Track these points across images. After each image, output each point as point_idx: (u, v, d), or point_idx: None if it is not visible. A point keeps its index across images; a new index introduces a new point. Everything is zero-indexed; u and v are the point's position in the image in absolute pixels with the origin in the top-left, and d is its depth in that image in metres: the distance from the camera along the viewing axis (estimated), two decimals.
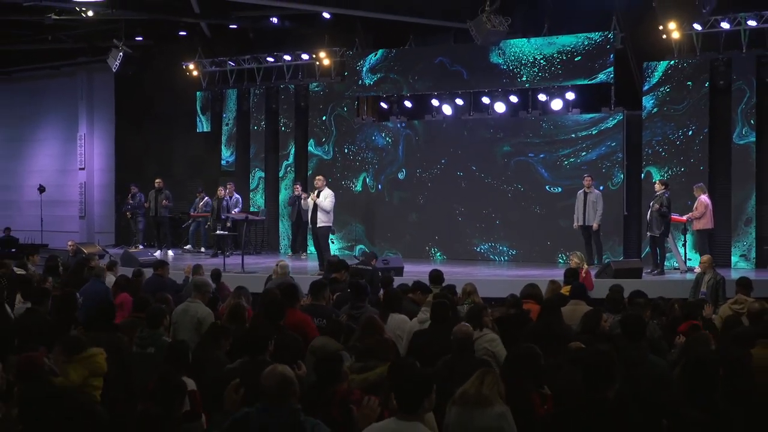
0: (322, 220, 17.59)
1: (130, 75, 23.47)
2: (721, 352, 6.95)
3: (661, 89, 18.62)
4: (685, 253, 17.14)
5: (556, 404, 6.10)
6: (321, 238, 17.87)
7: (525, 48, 19.84)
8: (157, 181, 22.42)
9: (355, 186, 21.86)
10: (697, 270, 14.02)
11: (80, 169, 28.43)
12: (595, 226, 17.19)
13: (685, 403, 5.41)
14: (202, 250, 22.15)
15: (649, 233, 16.93)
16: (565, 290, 11.25)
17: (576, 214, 17.61)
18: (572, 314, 9.21)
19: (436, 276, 11.24)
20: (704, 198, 16.66)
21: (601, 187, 18.00)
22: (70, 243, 18.79)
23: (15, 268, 13.52)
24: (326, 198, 17.53)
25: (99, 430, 5.96)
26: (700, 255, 15.35)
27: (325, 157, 22.27)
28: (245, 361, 6.66)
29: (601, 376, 5.20)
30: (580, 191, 17.60)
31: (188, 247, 22.91)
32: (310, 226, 18.10)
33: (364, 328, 7.67)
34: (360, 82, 21.76)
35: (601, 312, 8.87)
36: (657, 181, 16.97)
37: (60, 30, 24.75)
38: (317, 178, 18.28)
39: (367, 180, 21.73)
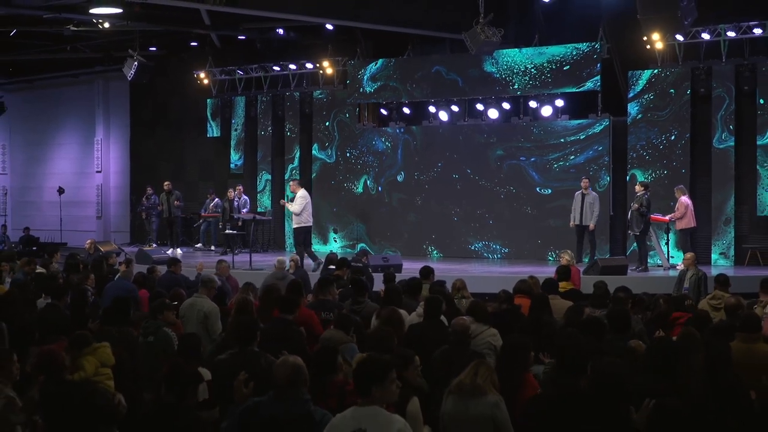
0: (295, 222, 17.84)
1: (144, 83, 23.45)
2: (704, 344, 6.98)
3: (645, 96, 18.62)
4: (668, 251, 17.14)
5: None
6: (296, 237, 18.11)
7: (517, 58, 19.86)
8: (166, 183, 22.41)
9: (357, 188, 21.88)
10: (680, 267, 14.03)
11: (97, 171, 28.41)
12: (591, 226, 17.12)
13: (661, 389, 5.45)
14: (212, 248, 22.15)
15: (630, 232, 17.00)
16: (560, 287, 11.29)
17: (573, 213, 17.54)
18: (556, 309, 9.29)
19: (426, 272, 11.28)
20: (685, 199, 16.68)
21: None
22: (88, 242, 18.79)
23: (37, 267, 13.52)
24: (295, 201, 17.72)
25: (115, 418, 5.99)
26: (683, 253, 15.37)
27: (329, 161, 22.29)
28: (234, 352, 6.64)
29: (573, 365, 5.32)
30: (578, 192, 17.55)
31: (199, 245, 22.93)
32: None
33: (384, 322, 7.62)
34: (361, 89, 21.77)
35: (583, 307, 8.93)
36: (637, 183, 17.02)
37: (78, 41, 24.76)
38: (290, 183, 18.51)
39: (368, 182, 21.75)
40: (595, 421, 5.03)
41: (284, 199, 17.68)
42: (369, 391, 4.81)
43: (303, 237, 17.83)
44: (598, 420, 5.04)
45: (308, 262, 17.26)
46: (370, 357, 5.05)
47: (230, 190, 21.97)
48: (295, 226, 17.80)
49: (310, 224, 18.01)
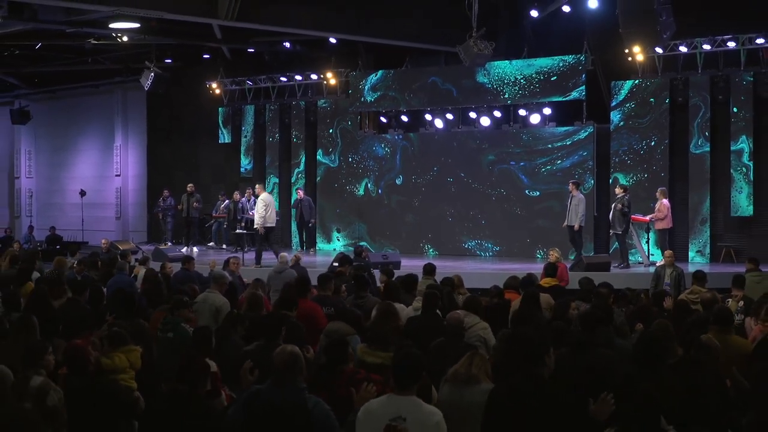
0: (257, 222, 17.75)
1: (160, 93, 23.45)
2: (681, 335, 6.98)
3: (627, 105, 18.62)
4: (648, 249, 17.14)
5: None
6: (256, 237, 18.06)
7: (507, 69, 19.84)
8: (189, 186, 22.39)
9: (358, 190, 21.92)
10: (659, 263, 14.03)
11: (116, 175, 28.39)
12: (576, 226, 17.07)
13: (638, 375, 5.44)
14: (224, 246, 22.12)
15: (612, 231, 16.98)
16: (545, 282, 11.30)
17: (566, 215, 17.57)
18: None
19: (430, 268, 11.25)
20: (665, 201, 16.67)
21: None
22: (103, 241, 18.79)
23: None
24: (257, 205, 17.85)
25: (135, 413, 5.98)
26: (661, 251, 15.37)
27: (332, 165, 22.27)
28: (260, 344, 6.64)
29: (534, 356, 5.29)
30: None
31: (211, 244, 22.91)
32: None
33: (380, 315, 7.61)
34: (362, 99, 21.73)
35: (570, 301, 8.94)
36: (618, 186, 17.02)
37: (99, 53, 24.75)
38: (256, 186, 18.57)
39: (369, 185, 21.76)
40: (552, 411, 5.01)
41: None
42: (410, 384, 4.85)
43: (266, 235, 17.72)
44: (555, 409, 5.03)
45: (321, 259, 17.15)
46: (411, 353, 5.03)
47: (236, 192, 21.97)
48: (255, 226, 17.77)
49: (273, 224, 17.89)
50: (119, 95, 28.45)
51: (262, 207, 17.45)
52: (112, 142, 28.46)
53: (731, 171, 17.74)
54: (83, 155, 29.76)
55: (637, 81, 18.54)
